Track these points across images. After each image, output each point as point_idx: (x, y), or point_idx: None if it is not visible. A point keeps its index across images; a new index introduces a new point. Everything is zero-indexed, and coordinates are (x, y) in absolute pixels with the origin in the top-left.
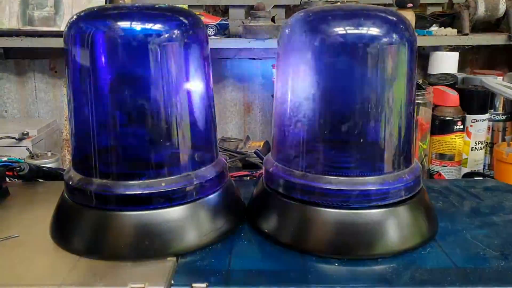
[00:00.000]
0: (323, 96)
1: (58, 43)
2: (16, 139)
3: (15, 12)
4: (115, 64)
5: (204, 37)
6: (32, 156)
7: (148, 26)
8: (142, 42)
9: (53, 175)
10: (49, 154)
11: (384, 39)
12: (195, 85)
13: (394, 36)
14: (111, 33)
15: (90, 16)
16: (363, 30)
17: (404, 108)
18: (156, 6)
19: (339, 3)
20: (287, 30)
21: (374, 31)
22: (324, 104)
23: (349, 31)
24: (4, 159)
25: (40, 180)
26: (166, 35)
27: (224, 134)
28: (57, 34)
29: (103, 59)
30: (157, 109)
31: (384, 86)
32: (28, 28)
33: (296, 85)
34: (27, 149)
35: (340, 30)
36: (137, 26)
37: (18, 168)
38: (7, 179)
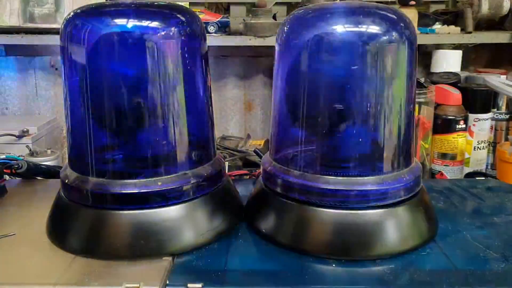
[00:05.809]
0: (320, 94)
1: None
2: (16, 137)
3: (16, 9)
4: (111, 61)
5: (201, 35)
6: (32, 153)
7: (145, 23)
8: (138, 39)
9: (51, 173)
10: (48, 151)
11: (384, 38)
12: (192, 83)
13: (394, 34)
14: (107, 30)
15: (86, 13)
16: (362, 28)
17: (404, 107)
18: (153, 3)
19: (338, 1)
20: (285, 28)
21: (373, 29)
22: (322, 102)
23: (348, 29)
24: (2, 156)
25: (39, 178)
26: (163, 33)
27: (225, 132)
28: (58, 31)
29: (99, 56)
30: (154, 107)
31: (384, 85)
32: (29, 25)
33: (294, 84)
34: (27, 146)
35: (339, 28)
36: (133, 23)
37: (16, 166)
38: (6, 177)
